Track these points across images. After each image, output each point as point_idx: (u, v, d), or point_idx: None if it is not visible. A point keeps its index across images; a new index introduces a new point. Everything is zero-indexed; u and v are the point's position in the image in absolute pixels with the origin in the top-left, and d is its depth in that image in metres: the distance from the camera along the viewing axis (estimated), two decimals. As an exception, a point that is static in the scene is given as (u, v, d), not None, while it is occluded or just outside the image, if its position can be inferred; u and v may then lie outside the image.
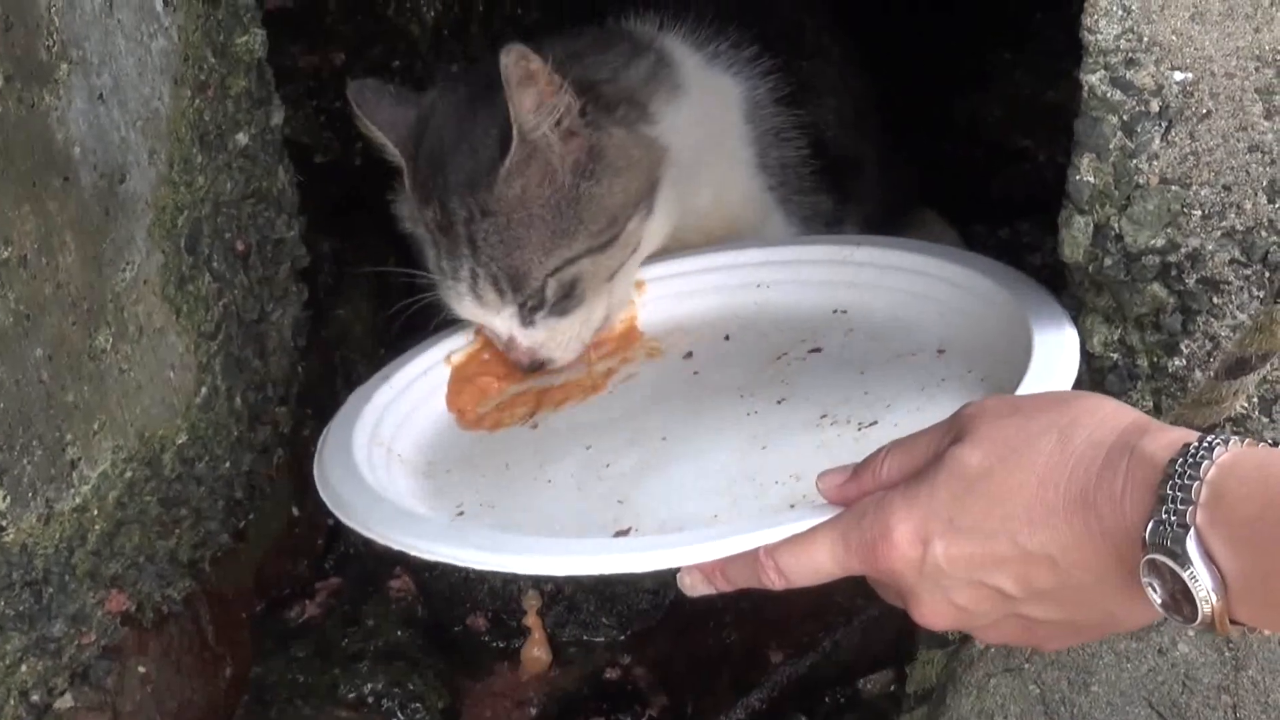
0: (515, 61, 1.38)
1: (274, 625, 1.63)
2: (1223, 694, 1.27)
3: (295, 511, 1.69)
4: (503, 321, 1.50)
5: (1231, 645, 1.28)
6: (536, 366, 1.51)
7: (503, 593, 1.68)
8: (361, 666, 1.57)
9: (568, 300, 1.48)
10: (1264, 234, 1.22)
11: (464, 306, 1.51)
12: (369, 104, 1.54)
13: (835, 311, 1.48)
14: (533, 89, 1.41)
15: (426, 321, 1.56)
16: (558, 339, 1.50)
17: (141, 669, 1.43)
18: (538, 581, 1.67)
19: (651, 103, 1.55)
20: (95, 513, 1.34)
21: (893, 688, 1.48)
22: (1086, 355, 1.29)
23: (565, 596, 1.67)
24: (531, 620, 1.65)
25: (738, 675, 1.55)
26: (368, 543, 1.67)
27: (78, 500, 1.32)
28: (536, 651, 1.64)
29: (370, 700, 1.54)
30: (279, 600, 1.66)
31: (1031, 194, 1.92)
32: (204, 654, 1.52)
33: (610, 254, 1.50)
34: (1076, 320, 1.28)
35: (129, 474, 1.39)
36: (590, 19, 1.69)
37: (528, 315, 1.49)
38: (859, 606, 1.54)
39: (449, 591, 1.68)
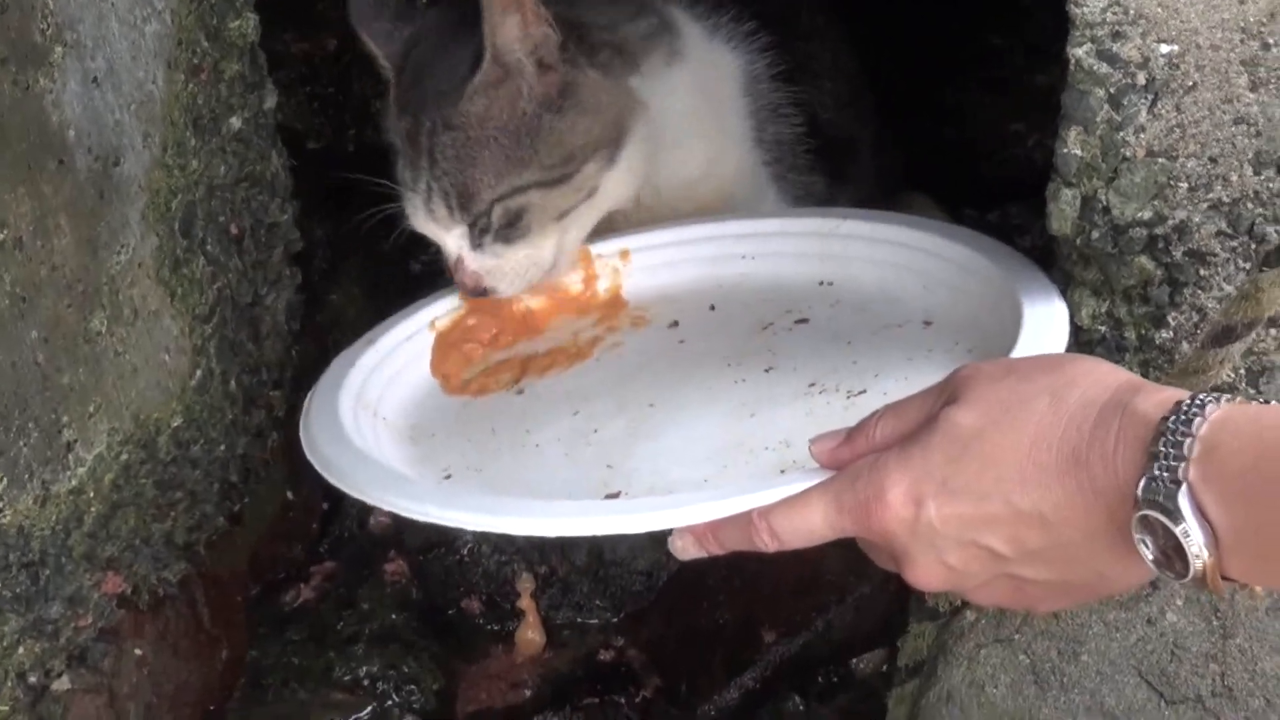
0: None
1: (269, 608, 1.64)
2: (1211, 662, 1.27)
3: (290, 495, 1.69)
4: (454, 240, 1.50)
5: (1219, 614, 1.29)
6: (479, 293, 1.51)
7: (497, 575, 1.68)
8: (357, 649, 1.57)
9: (512, 230, 1.48)
10: (1250, 205, 1.22)
11: (418, 219, 1.51)
12: (366, 16, 1.56)
13: (821, 283, 1.48)
14: (514, 14, 1.42)
15: (388, 233, 1.56)
16: (503, 269, 1.50)
17: (138, 651, 1.44)
18: (531, 564, 1.67)
19: (645, 61, 1.55)
20: (91, 495, 1.35)
21: (885, 666, 1.48)
22: (1075, 328, 1.29)
23: (559, 579, 1.68)
24: (525, 603, 1.66)
25: (731, 655, 1.56)
26: (362, 526, 1.72)
27: (74, 482, 1.32)
28: (530, 634, 1.65)
29: (365, 683, 1.55)
30: (274, 584, 1.66)
31: (1021, 177, 1.93)
32: (200, 637, 1.53)
33: (561, 192, 1.49)
34: (1064, 293, 1.29)
35: (125, 456, 1.39)
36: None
37: (477, 238, 1.49)
38: (851, 585, 1.55)
39: (443, 574, 1.68)
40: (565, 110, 1.48)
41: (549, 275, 1.53)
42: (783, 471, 1.14)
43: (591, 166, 1.50)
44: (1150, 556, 0.90)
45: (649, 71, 1.56)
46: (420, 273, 1.55)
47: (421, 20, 1.57)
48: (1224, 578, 0.89)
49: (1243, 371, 1.28)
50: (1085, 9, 1.19)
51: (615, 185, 1.53)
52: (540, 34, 1.45)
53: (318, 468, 1.27)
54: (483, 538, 1.67)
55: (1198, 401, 0.89)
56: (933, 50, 2.04)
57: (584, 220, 1.54)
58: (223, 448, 1.55)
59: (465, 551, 1.68)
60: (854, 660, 1.51)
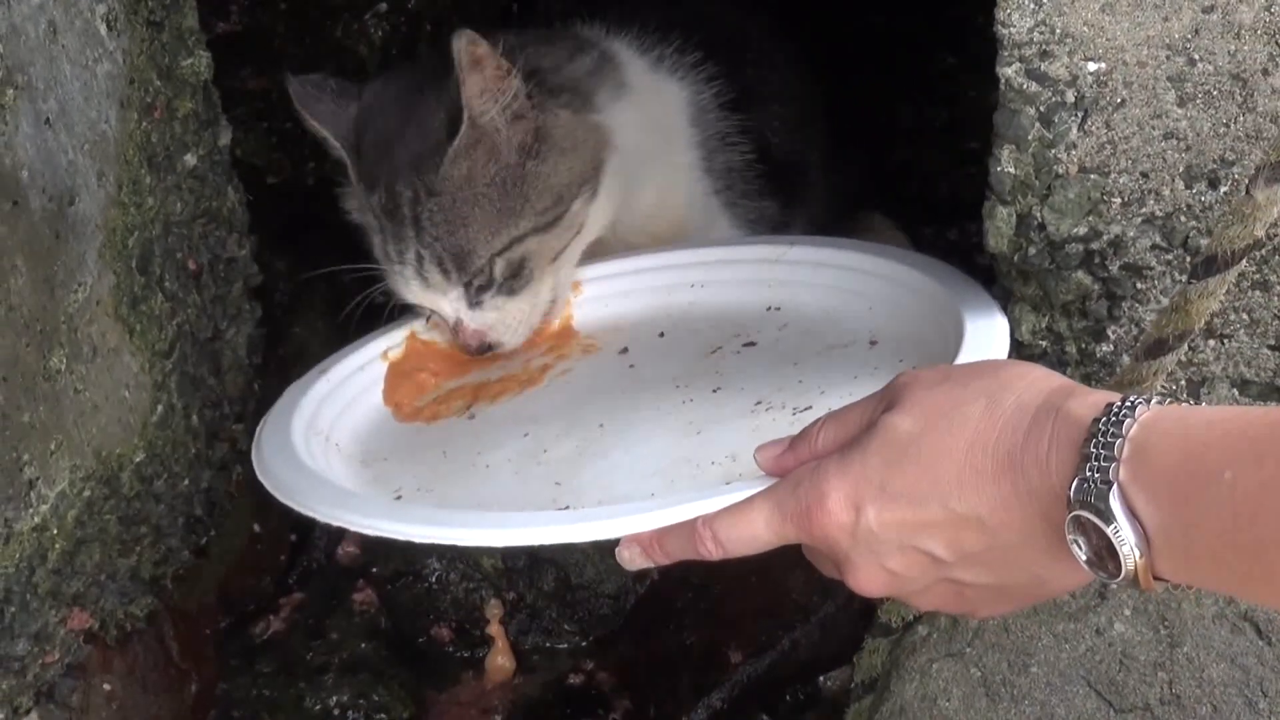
0: (465, 46, 1.40)
1: (239, 641, 1.64)
2: (1159, 671, 1.28)
3: (257, 528, 1.70)
4: (450, 304, 1.51)
5: (1167, 623, 1.30)
6: (485, 350, 1.52)
7: (465, 602, 1.69)
8: (326, 679, 1.58)
9: (516, 280, 1.50)
10: (1183, 219, 1.24)
11: (411, 290, 1.52)
12: (310, 100, 1.56)
13: (769, 309, 1.49)
14: (480, 73, 1.43)
15: (380, 315, 1.57)
16: (506, 321, 1.51)
17: (106, 686, 1.44)
18: (499, 590, 1.68)
19: (596, 95, 1.57)
20: (55, 532, 1.35)
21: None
22: (1016, 344, 1.30)
23: (527, 604, 1.69)
24: (495, 629, 1.66)
25: (699, 676, 1.57)
26: (330, 556, 1.72)
27: (37, 520, 1.33)
28: (500, 660, 1.66)
29: (336, 713, 1.56)
30: (244, 616, 1.66)
31: (978, 194, 1.95)
32: (169, 670, 1.53)
33: (555, 234, 1.51)
34: (1005, 309, 1.30)
35: (87, 493, 1.39)
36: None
37: (475, 296, 1.50)
38: (816, 604, 1.55)
39: (412, 603, 1.69)
40: (545, 154, 1.50)
41: (549, 314, 1.55)
42: (728, 484, 1.15)
43: (579, 203, 1.52)
44: (1084, 557, 0.91)
45: (603, 105, 1.57)
46: (383, 303, 1.56)
47: (365, 95, 1.57)
48: (1156, 577, 0.89)
49: (1183, 383, 1.29)
50: (1012, 29, 1.21)
51: (598, 216, 1.56)
52: (510, 88, 1.46)
53: (268, 487, 1.29)
54: (450, 565, 1.68)
55: (1128, 403, 0.90)
56: (888, 69, 2.05)
57: (574, 256, 1.56)
58: (186, 482, 1.55)
59: (434, 579, 1.69)
60: (821, 678, 1.52)
